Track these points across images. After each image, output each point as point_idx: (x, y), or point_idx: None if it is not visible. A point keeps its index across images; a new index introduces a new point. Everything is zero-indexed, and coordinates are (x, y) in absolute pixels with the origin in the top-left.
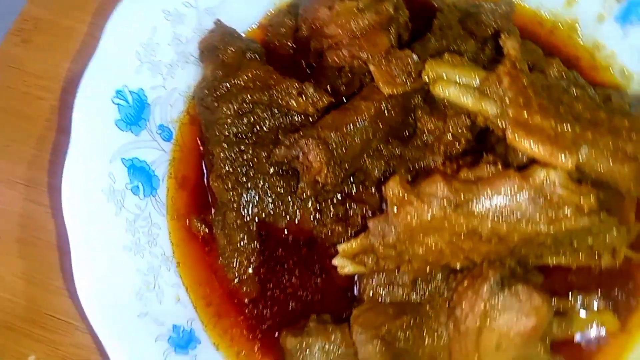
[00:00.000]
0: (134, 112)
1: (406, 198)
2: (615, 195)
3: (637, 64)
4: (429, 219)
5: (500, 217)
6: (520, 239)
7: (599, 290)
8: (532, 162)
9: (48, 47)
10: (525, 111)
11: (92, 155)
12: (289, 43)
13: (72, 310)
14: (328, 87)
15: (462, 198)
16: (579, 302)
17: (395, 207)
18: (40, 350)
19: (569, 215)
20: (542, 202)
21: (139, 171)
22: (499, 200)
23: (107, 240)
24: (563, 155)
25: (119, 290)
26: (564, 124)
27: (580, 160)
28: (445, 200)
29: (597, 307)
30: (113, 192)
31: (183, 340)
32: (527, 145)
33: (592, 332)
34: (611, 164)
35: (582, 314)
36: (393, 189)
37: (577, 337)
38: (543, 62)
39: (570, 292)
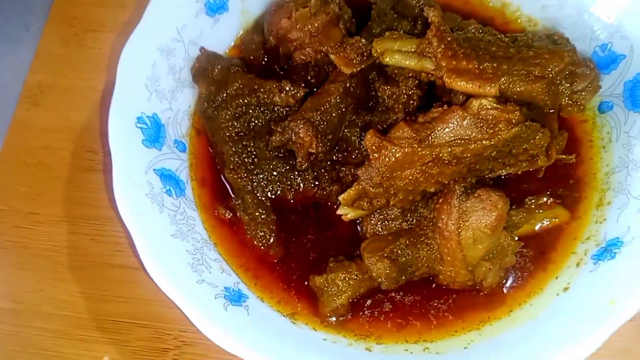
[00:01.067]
0: (154, 133)
1: (381, 144)
2: (538, 111)
3: (539, 12)
4: (401, 156)
5: (454, 142)
6: (472, 156)
7: (548, 192)
8: (468, 97)
9: (55, 105)
10: (454, 60)
11: (131, 169)
12: (261, 55)
13: (129, 312)
14: (302, 83)
15: (423, 135)
16: (533, 204)
17: (375, 153)
18: (112, 350)
19: (502, 128)
20: (481, 124)
21: (167, 178)
22: (450, 130)
23: (158, 231)
24: (488, 85)
25: (177, 267)
26: (484, 63)
27: (502, 87)
28: (410, 139)
29: (549, 205)
30: (154, 195)
31: (235, 296)
32: (460, 84)
33: (548, 224)
34: (525, 85)
35: (538, 212)
36: (370, 139)
37: (537, 230)
38: (462, 24)
39: (525, 198)
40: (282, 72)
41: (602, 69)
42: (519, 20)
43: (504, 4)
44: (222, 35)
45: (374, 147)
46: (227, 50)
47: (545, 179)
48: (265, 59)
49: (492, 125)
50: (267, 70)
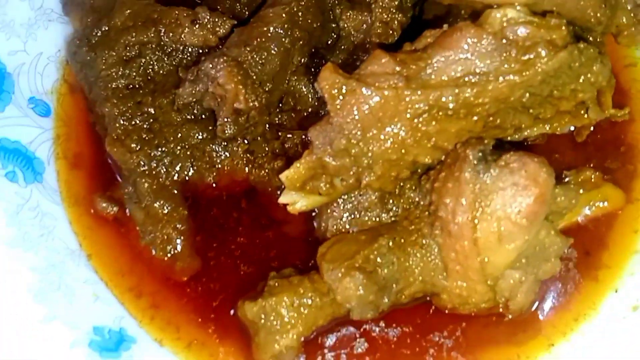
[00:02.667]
0: None
1: (346, 86)
2: (585, 34)
3: None
4: (379, 103)
5: (464, 79)
6: (492, 101)
7: (591, 164)
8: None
9: None
10: None
11: None
12: None
13: None
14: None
15: (413, 69)
16: (572, 181)
17: (336, 101)
18: None
19: (542, 54)
20: (507, 47)
21: (12, 154)
22: (456, 59)
23: None
24: None
25: (7, 295)
26: None
27: None
28: (393, 76)
29: (594, 182)
30: None
31: (111, 342)
32: None
33: (595, 211)
34: None
35: (579, 193)
36: (328, 79)
37: (583, 220)
38: None
39: (561, 173)
40: (199, 0)
41: None
42: None
43: None
44: None
45: (333, 92)
46: None
47: (585, 146)
48: None
49: (525, 49)
50: None
